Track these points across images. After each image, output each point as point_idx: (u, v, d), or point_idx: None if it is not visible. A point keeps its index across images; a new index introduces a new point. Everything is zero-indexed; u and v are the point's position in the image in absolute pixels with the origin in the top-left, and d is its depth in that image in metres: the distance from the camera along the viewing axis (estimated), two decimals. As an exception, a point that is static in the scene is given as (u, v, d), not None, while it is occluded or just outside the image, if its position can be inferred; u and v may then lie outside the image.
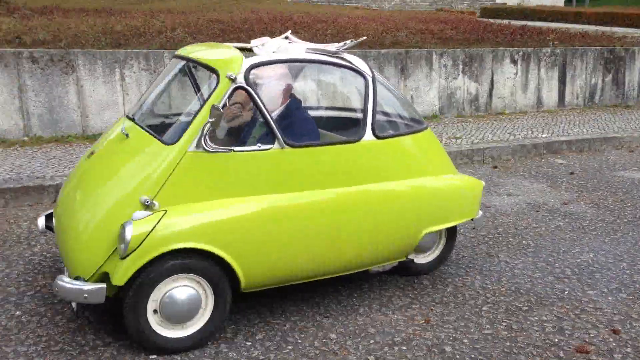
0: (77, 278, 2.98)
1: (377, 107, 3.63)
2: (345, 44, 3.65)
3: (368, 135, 3.51)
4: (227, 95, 3.18)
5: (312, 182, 3.35)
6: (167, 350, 3.07)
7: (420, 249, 3.97)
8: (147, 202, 2.99)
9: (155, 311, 3.03)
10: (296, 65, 3.77)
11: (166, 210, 3.00)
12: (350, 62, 3.60)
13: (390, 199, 3.58)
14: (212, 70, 3.30)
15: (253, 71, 3.28)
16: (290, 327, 3.42)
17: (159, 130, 3.36)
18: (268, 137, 3.27)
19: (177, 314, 3.05)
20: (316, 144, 3.43)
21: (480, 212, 4.13)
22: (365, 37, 4.13)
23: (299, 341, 3.29)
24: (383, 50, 8.71)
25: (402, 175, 3.65)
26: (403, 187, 3.63)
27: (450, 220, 3.87)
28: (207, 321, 3.14)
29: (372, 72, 3.65)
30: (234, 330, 3.36)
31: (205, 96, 3.26)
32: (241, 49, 3.57)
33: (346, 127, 3.91)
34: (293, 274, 3.37)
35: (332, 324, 3.48)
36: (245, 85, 3.21)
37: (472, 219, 4.06)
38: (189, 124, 3.13)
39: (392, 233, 3.61)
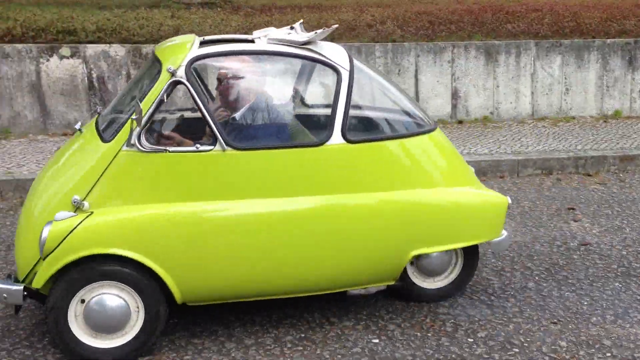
0: (8, 277, 2.94)
1: (358, 106, 3.23)
2: (316, 33, 3.14)
3: (336, 138, 3.00)
4: (165, 90, 2.89)
5: (261, 190, 2.94)
6: (102, 358, 2.85)
7: (426, 272, 3.36)
8: (76, 202, 2.82)
9: (78, 318, 2.84)
10: (260, 59, 3.28)
11: (92, 212, 2.80)
12: (321, 54, 3.11)
13: (362, 213, 3.04)
14: (159, 62, 3.03)
15: (196, 64, 2.98)
16: (514, 329, 3.24)
17: (108, 127, 3.09)
18: (211, 139, 2.95)
19: (103, 323, 2.83)
20: (266, 146, 2.98)
21: (505, 234, 3.41)
22: (337, 26, 3.37)
23: (525, 344, 3.09)
24: (608, 40, 7.95)
25: (382, 187, 3.08)
26: (382, 200, 3.06)
27: (452, 241, 3.20)
28: (138, 333, 2.87)
29: (352, 66, 3.10)
30: (454, 325, 3.27)
31: (145, 91, 2.96)
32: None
33: (310, 128, 3.27)
34: (241, 292, 3.02)
35: (560, 330, 3.23)
36: (184, 80, 2.91)
37: (488, 242, 3.37)
38: (126, 120, 2.89)
39: (364, 253, 3.07)
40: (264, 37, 3.29)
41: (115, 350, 2.87)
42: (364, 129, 3.28)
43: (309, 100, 3.68)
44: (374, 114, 3.42)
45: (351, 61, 3.14)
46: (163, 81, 2.91)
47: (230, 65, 3.30)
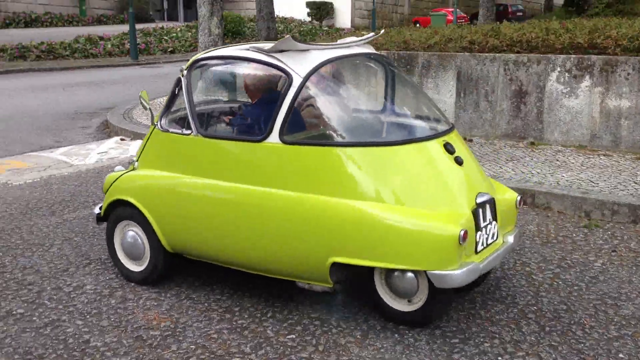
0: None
1: (309, 111, 3.41)
2: (281, 41, 3.37)
3: (274, 137, 3.24)
4: (175, 86, 3.66)
5: (217, 172, 3.45)
6: (131, 279, 3.83)
7: (397, 293, 3.21)
8: (132, 162, 3.92)
9: (118, 245, 3.87)
10: (235, 64, 3.75)
11: (130, 170, 3.85)
12: (281, 62, 3.33)
13: (286, 209, 3.21)
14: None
15: (196, 65, 3.65)
16: None
17: None
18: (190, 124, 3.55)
19: (130, 252, 3.81)
20: (221, 136, 3.53)
21: (459, 272, 2.96)
22: (288, 35, 3.47)
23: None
24: None
25: (310, 189, 3.16)
26: (307, 201, 3.16)
27: (375, 259, 3.05)
28: (148, 262, 3.75)
29: (309, 75, 3.27)
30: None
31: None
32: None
33: (257, 125, 3.55)
34: (215, 253, 3.57)
35: None
36: (182, 77, 3.60)
37: (424, 271, 3.03)
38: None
39: (289, 246, 3.24)
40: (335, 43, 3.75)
41: (138, 275, 3.82)
42: (305, 132, 3.42)
43: (265, 99, 3.78)
44: (318, 120, 3.44)
45: (313, 71, 3.30)
46: (178, 79, 3.65)
47: (216, 68, 3.85)
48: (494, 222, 3.30)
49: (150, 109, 3.80)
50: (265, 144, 3.27)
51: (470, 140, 7.33)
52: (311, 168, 3.20)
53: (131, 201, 3.71)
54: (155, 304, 3.53)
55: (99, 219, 3.99)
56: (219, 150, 3.46)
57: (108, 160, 7.04)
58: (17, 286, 3.74)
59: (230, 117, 3.76)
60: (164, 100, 10.33)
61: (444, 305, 3.26)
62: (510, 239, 3.41)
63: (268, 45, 3.51)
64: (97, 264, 4.08)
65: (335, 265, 3.13)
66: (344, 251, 3.10)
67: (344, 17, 32.15)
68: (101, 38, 19.93)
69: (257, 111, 3.58)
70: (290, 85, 3.26)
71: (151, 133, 3.75)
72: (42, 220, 4.95)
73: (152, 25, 24.87)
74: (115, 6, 29.94)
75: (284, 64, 3.33)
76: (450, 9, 32.41)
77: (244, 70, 3.76)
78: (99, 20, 28.76)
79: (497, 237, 3.33)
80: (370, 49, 3.86)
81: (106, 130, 8.75)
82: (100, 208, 3.96)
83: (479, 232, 3.15)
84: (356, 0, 32.40)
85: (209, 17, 10.64)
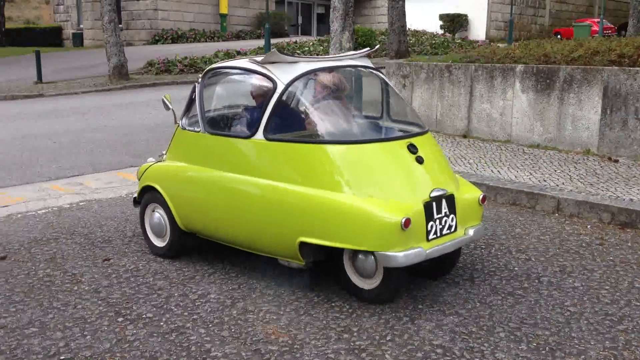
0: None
1: (289, 112, 4.01)
2: (269, 54, 3.95)
3: (259, 135, 3.84)
4: (191, 92, 4.37)
5: (216, 163, 4.11)
6: (154, 252, 4.55)
7: (361, 273, 3.70)
8: (161, 155, 4.65)
9: (147, 223, 4.59)
10: (237, 73, 4.43)
11: (159, 161, 4.61)
12: (269, 71, 3.91)
13: (267, 196, 3.78)
14: None
15: (208, 74, 4.36)
16: None
17: None
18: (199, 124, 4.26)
19: (155, 229, 4.53)
20: (220, 134, 4.18)
21: (402, 254, 3.38)
22: (274, 49, 4.02)
23: None
24: None
25: (285, 179, 3.73)
26: (281, 189, 3.72)
27: (332, 239, 3.54)
28: (169, 239, 4.45)
29: (290, 81, 3.82)
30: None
31: None
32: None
33: (247, 124, 4.15)
34: (214, 230, 4.19)
35: None
36: (197, 84, 4.33)
37: (372, 253, 3.53)
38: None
39: (267, 226, 3.81)
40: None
41: (160, 249, 4.52)
42: (284, 131, 3.89)
43: (254, 102, 4.39)
44: (296, 121, 4.05)
45: (294, 79, 3.85)
46: (194, 86, 4.38)
47: (223, 77, 4.53)
48: (451, 216, 3.68)
49: (173, 109, 4.50)
50: (253, 140, 3.89)
51: (616, 161, 6.72)
52: (285, 161, 3.77)
53: (156, 187, 4.45)
54: (275, 317, 3.53)
55: (135, 202, 4.73)
56: (219, 144, 4.15)
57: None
58: (148, 290, 3.91)
59: (233, 117, 4.38)
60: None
61: (398, 285, 3.67)
62: (471, 232, 3.78)
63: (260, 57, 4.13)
64: (221, 273, 4.17)
65: (304, 245, 3.63)
66: (308, 232, 3.60)
67: (478, 28, 31.29)
68: (238, 52, 20.89)
69: (255, 112, 4.08)
70: (274, 90, 3.85)
71: (175, 131, 4.46)
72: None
73: (287, 39, 25.73)
74: (253, 22, 31.34)
75: (272, 72, 3.91)
76: (596, 19, 30.47)
77: (243, 78, 4.41)
78: (238, 36, 30.22)
79: (455, 229, 3.71)
80: (365, 62, 4.29)
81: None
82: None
83: (430, 222, 3.55)
84: (492, 12, 31.41)
85: (341, 32, 10.74)
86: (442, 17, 31.06)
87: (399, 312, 3.55)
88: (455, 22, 30.75)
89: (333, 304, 3.67)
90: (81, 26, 32.31)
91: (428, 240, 3.55)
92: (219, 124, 4.35)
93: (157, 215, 4.49)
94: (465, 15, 31.22)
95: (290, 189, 3.68)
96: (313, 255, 3.69)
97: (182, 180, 4.35)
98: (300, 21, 35.09)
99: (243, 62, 4.21)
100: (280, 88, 3.82)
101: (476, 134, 8.16)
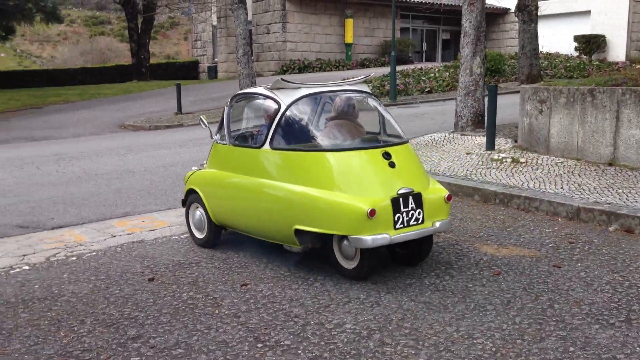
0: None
1: (289, 127, 4.78)
2: (276, 82, 4.92)
3: (267, 145, 4.80)
4: (223, 112, 5.49)
5: (239, 169, 5.10)
6: (196, 242, 5.64)
7: (345, 256, 4.58)
8: (202, 164, 5.78)
9: (191, 220, 5.73)
10: (253, 97, 5.48)
11: (198, 170, 5.69)
12: (270, 93, 4.95)
13: (273, 191, 4.71)
14: None
15: (234, 99, 5.49)
16: None
17: None
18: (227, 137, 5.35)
19: (196, 224, 5.64)
20: (239, 145, 5.20)
21: (370, 238, 4.22)
22: (279, 78, 4.96)
23: None
24: None
25: (285, 179, 4.65)
26: (283, 187, 4.63)
27: (317, 226, 4.41)
28: (206, 232, 5.51)
29: (290, 102, 4.77)
30: None
31: None
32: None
33: (259, 137, 5.08)
34: (236, 222, 5.21)
35: None
36: (226, 107, 5.45)
37: (346, 237, 4.41)
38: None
39: (274, 216, 4.72)
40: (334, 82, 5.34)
41: (200, 240, 5.61)
42: (285, 142, 4.78)
43: (264, 121, 5.25)
44: (294, 134, 4.83)
45: (295, 101, 4.79)
46: (224, 108, 5.50)
47: (245, 100, 5.57)
48: (418, 210, 4.43)
49: (209, 127, 5.71)
50: (262, 149, 4.86)
51: None
52: (284, 166, 4.72)
53: (196, 190, 5.53)
54: (413, 352, 3.41)
55: (183, 203, 5.81)
56: (238, 154, 5.17)
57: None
58: (285, 317, 3.95)
59: (251, 131, 5.42)
60: (421, 138, 10.45)
61: (371, 265, 4.48)
62: (437, 224, 4.52)
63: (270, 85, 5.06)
64: (356, 302, 4.13)
65: (299, 232, 4.51)
66: (300, 221, 4.49)
67: (617, 49, 29.34)
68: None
69: (265, 127, 4.98)
70: (278, 110, 4.81)
71: (212, 144, 5.55)
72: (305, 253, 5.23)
73: (412, 66, 25.64)
74: (377, 50, 31.60)
75: (277, 96, 4.89)
76: None
77: (259, 101, 5.31)
78: (362, 64, 30.58)
79: (422, 221, 4.45)
80: (361, 87, 5.12)
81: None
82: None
83: (397, 214, 4.33)
84: (633, 32, 29.39)
85: (472, 57, 10.50)
86: (577, 38, 29.50)
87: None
88: (591, 44, 29.06)
89: (474, 341, 3.50)
90: (216, 60, 34.33)
91: (395, 228, 4.33)
92: (240, 138, 5.38)
93: (198, 213, 5.59)
94: (603, 37, 29.42)
95: (287, 187, 4.61)
96: (311, 242, 4.51)
97: (213, 183, 5.41)
98: (424, 48, 34.90)
99: (260, 89, 5.24)
100: (283, 108, 4.79)
101: (624, 161, 7.55)
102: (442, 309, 3.94)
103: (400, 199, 4.35)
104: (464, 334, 3.59)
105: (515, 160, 8.19)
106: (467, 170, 7.91)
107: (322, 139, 4.70)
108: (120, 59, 45.01)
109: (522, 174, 7.47)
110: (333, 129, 4.83)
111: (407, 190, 4.39)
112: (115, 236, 6.01)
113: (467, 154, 8.99)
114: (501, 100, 11.63)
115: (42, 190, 8.33)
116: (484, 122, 10.26)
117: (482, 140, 9.79)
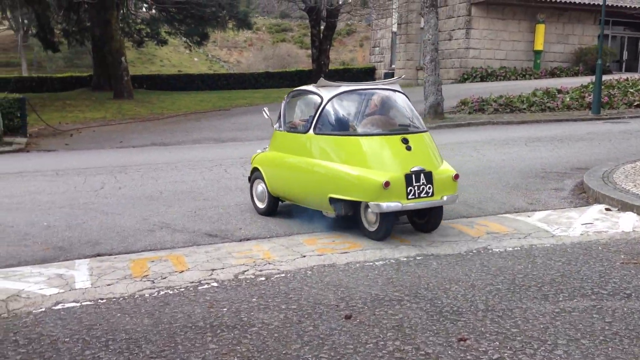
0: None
1: (328, 116, 6.09)
2: (320, 81, 6.38)
3: (311, 131, 6.14)
4: (281, 105, 6.97)
5: (291, 150, 6.51)
6: (258, 212, 7.05)
7: (368, 221, 5.83)
8: (264, 148, 7.19)
9: (254, 193, 7.16)
10: (308, 93, 6.60)
11: (262, 152, 7.14)
12: (316, 89, 6.31)
13: (314, 167, 6.05)
14: None
15: (290, 94, 6.91)
16: None
17: None
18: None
19: (258, 196, 7.06)
20: (292, 130, 6.58)
21: (385, 205, 5.46)
22: (322, 78, 6.63)
23: None
24: None
25: (324, 158, 5.97)
26: (321, 163, 5.97)
27: (344, 194, 5.71)
28: (266, 203, 6.91)
29: (330, 97, 6.07)
30: None
31: None
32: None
33: (306, 125, 6.33)
34: (287, 193, 6.57)
35: None
36: (283, 102, 6.90)
37: (367, 203, 5.63)
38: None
39: (314, 186, 6.07)
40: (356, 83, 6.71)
41: (261, 209, 7.00)
42: (325, 128, 6.08)
43: (312, 112, 6.38)
44: (336, 121, 6.09)
45: (334, 96, 6.08)
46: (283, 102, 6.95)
47: (298, 95, 6.82)
48: (429, 185, 5.59)
49: (270, 118, 6.99)
50: (308, 134, 6.19)
51: None
52: (324, 147, 6.01)
53: (259, 168, 6.89)
54: None
55: (249, 179, 7.15)
56: (290, 138, 6.53)
57: (595, 235, 6.01)
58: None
59: (300, 120, 6.58)
60: (632, 165, 8.84)
61: (388, 228, 5.73)
62: (445, 198, 5.68)
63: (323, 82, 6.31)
64: None
65: (332, 200, 5.80)
66: (333, 190, 5.79)
67: None
68: (559, 91, 19.18)
69: (311, 117, 6.22)
70: (321, 103, 6.11)
71: (273, 132, 6.86)
72: (534, 304, 4.26)
73: (611, 77, 22.97)
74: (570, 58, 28.95)
75: (321, 91, 6.19)
76: None
77: (308, 96, 6.51)
78: (552, 73, 28.16)
79: (432, 194, 5.61)
80: (393, 86, 6.34)
81: (582, 195, 7.70)
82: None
83: (409, 187, 5.53)
84: None
85: None
86: None
87: None
88: None
89: None
90: (393, 66, 33.82)
91: (407, 199, 5.52)
92: (292, 125, 6.63)
93: (260, 187, 6.94)
94: None
95: (325, 164, 5.92)
96: (344, 209, 5.76)
97: (271, 162, 6.76)
98: (625, 56, 31.40)
99: (309, 87, 6.51)
100: (325, 101, 6.07)
101: None
102: None
103: (413, 175, 5.54)
104: None
105: None
106: None
107: (354, 127, 5.98)
108: (298, 64, 46.37)
109: None
110: (365, 120, 6.02)
111: (419, 169, 5.58)
112: (304, 256, 5.48)
113: None
114: None
115: (229, 195, 8.17)
116: None
117: None
